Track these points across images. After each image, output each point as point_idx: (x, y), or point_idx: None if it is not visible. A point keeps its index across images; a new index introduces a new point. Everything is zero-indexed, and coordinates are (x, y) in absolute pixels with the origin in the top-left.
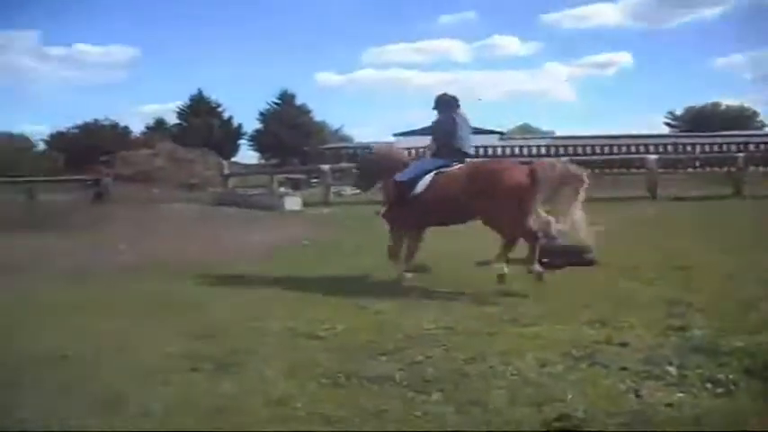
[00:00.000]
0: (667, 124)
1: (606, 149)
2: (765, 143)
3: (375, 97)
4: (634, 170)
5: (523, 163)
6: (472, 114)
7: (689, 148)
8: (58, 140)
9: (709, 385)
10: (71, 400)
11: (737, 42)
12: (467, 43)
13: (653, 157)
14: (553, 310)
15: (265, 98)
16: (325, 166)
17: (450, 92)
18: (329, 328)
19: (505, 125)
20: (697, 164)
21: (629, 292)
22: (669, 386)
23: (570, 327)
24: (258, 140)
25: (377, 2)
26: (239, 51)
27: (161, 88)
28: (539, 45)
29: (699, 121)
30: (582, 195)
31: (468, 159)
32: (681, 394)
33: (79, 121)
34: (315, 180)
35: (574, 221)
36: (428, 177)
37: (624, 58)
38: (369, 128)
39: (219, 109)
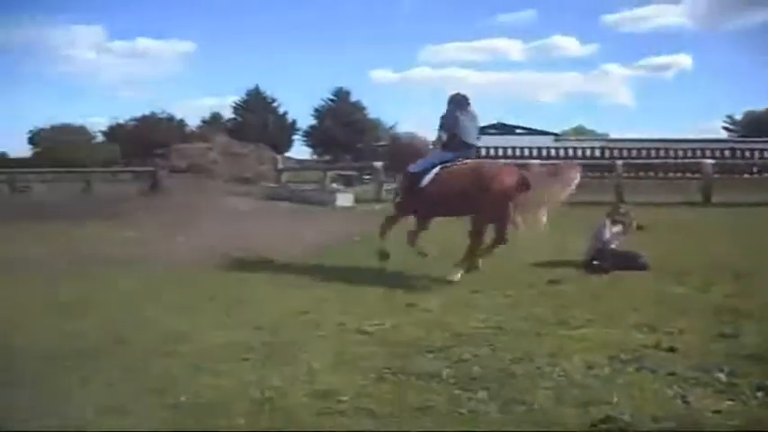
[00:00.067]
0: (726, 128)
1: (662, 153)
2: None
3: (430, 96)
4: (689, 175)
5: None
6: (527, 114)
7: (747, 154)
8: (116, 132)
9: (759, 394)
10: (124, 385)
11: None
12: (524, 43)
13: (709, 161)
14: (602, 313)
15: (320, 95)
16: (378, 164)
17: (507, 92)
18: (378, 324)
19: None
20: (755, 170)
21: (680, 297)
22: (718, 393)
23: (619, 330)
24: (312, 136)
25: (435, 0)
26: (295, 47)
27: (218, 82)
28: (597, 46)
29: (758, 126)
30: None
31: (473, 150)
32: (730, 402)
33: (137, 114)
34: (367, 177)
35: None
36: (434, 171)
37: (684, 60)
38: (423, 126)
39: (275, 104)
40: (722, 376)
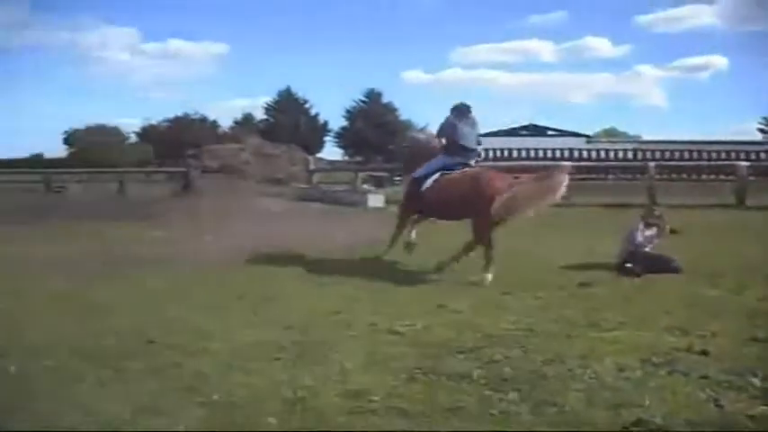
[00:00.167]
0: (761, 130)
1: (695, 155)
2: None
3: (461, 97)
4: (723, 177)
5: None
6: (559, 116)
7: None
8: (149, 133)
9: None
10: (157, 383)
11: None
12: (556, 44)
13: (744, 163)
14: (634, 315)
15: (352, 96)
16: None
17: (538, 93)
18: (409, 324)
19: (592, 128)
20: None
21: (713, 300)
22: (752, 398)
23: (650, 333)
24: (343, 137)
25: (466, 1)
26: (327, 48)
27: (250, 83)
28: (630, 47)
29: None
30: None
31: (473, 154)
32: (764, 407)
33: (170, 115)
34: (398, 178)
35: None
36: (434, 177)
37: (719, 61)
38: None
39: (307, 105)
40: (756, 380)
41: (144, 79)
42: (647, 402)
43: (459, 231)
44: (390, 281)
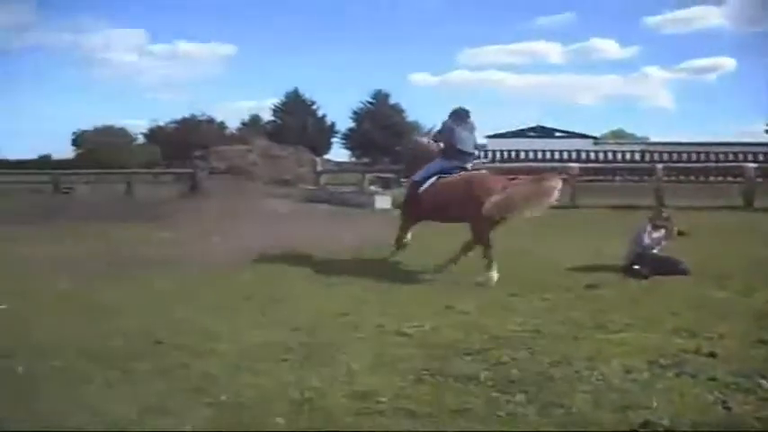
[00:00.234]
0: None
1: (702, 157)
2: None
3: (468, 98)
4: (731, 179)
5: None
6: (566, 118)
7: None
8: (156, 134)
9: None
10: (165, 384)
11: None
12: (564, 45)
13: (751, 165)
14: (641, 317)
15: (359, 97)
16: None
17: (545, 95)
18: (417, 326)
19: (600, 129)
20: None
21: (721, 302)
22: (760, 400)
23: (658, 335)
24: (350, 139)
25: (473, 3)
26: (335, 50)
27: (257, 85)
28: (637, 48)
29: None
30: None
31: (470, 158)
32: None
33: (177, 116)
34: (404, 180)
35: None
36: (431, 180)
37: (727, 62)
38: None
39: (314, 107)
40: (764, 383)
41: (151, 80)
42: (655, 404)
43: (457, 232)
44: (397, 282)
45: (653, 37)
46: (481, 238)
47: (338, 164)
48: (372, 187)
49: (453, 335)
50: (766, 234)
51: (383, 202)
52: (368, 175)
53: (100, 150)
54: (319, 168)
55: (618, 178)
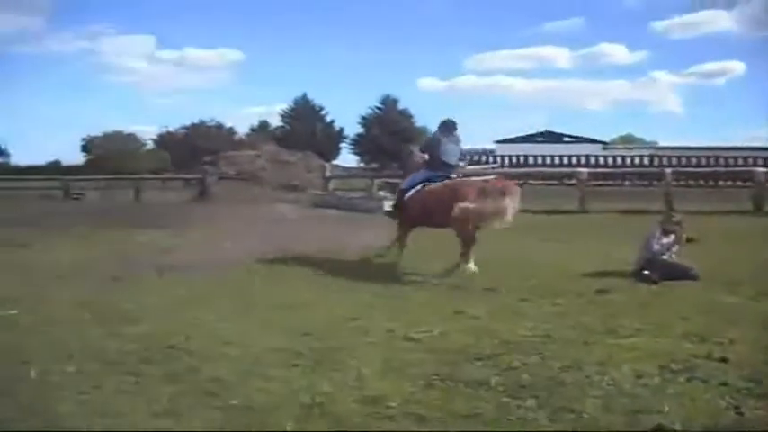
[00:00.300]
0: None
1: (712, 161)
2: None
3: (476, 104)
4: (740, 183)
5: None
6: (575, 123)
7: None
8: (166, 140)
9: None
10: (175, 388)
11: None
12: (572, 50)
13: (761, 170)
14: (651, 322)
15: (367, 103)
16: None
17: (553, 100)
18: (426, 331)
19: (608, 134)
20: None
21: (731, 307)
22: None
23: (668, 340)
24: (359, 144)
25: (481, 8)
26: (343, 56)
27: (266, 91)
28: (646, 53)
29: None
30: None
31: (453, 169)
32: None
33: (187, 122)
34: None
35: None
36: (417, 188)
37: (736, 66)
38: (469, 134)
39: (322, 112)
40: None
41: (161, 86)
42: (666, 409)
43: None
44: (406, 287)
45: (661, 41)
46: (467, 240)
47: (347, 169)
48: (381, 193)
49: (463, 340)
50: None
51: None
52: (376, 181)
53: (110, 156)
54: (328, 174)
55: (627, 183)
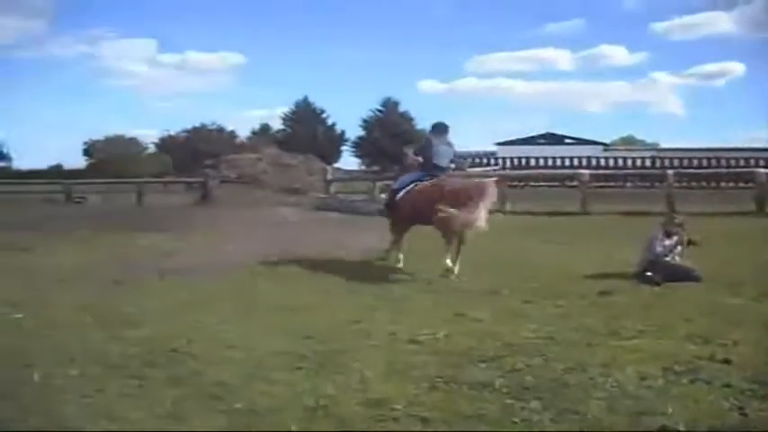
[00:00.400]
0: None
1: (713, 163)
2: None
3: (477, 106)
4: (742, 184)
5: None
6: (575, 124)
7: None
8: (167, 144)
9: None
10: (179, 392)
11: None
12: (573, 52)
13: (763, 170)
14: (654, 324)
15: (368, 105)
16: None
17: (554, 102)
18: (429, 333)
19: (609, 136)
20: None
21: (734, 308)
22: None
23: (671, 341)
24: (360, 147)
25: (481, 10)
26: (344, 60)
27: (267, 94)
28: (646, 55)
29: None
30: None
31: (443, 170)
32: None
33: (188, 126)
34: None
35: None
36: (408, 188)
37: (736, 67)
38: (470, 137)
39: (324, 115)
40: None
41: (162, 90)
42: (670, 410)
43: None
44: (408, 290)
45: (661, 43)
46: (448, 239)
47: (348, 172)
48: (383, 195)
49: (467, 342)
50: None
51: None
52: (378, 183)
53: (111, 160)
54: (329, 177)
55: (629, 184)
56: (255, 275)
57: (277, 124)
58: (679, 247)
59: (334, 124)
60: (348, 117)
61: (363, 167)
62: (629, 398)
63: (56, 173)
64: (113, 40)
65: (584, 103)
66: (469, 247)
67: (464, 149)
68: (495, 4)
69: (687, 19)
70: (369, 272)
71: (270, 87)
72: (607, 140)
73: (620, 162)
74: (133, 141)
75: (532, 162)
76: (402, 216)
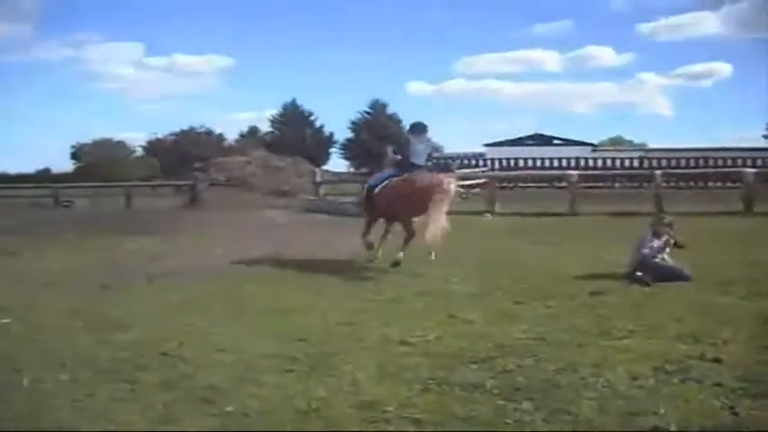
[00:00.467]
0: (766, 137)
1: (701, 163)
2: None
3: (466, 107)
4: (730, 184)
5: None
6: (563, 125)
7: None
8: (155, 147)
9: None
10: (170, 395)
11: None
12: (561, 53)
13: (750, 170)
14: (645, 324)
15: (357, 107)
16: None
17: (542, 103)
18: (421, 335)
19: (598, 137)
20: None
21: (724, 307)
22: None
23: (662, 341)
24: (349, 149)
25: (469, 11)
26: (332, 61)
27: (255, 97)
28: (633, 55)
29: None
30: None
31: (419, 168)
32: None
33: (176, 129)
34: None
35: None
36: (383, 183)
37: (722, 68)
38: (459, 138)
39: (312, 117)
40: None
41: (149, 93)
42: (662, 410)
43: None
44: (400, 292)
45: (648, 44)
46: (408, 233)
47: (337, 174)
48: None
49: (458, 344)
50: (767, 239)
51: None
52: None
53: (99, 164)
54: (318, 179)
55: (617, 185)
56: (245, 278)
57: (265, 127)
58: (668, 249)
59: (322, 126)
60: (336, 119)
61: (352, 169)
62: (620, 398)
63: (44, 177)
64: (99, 43)
65: (573, 103)
66: (459, 249)
67: (452, 151)
68: (483, 5)
69: (674, 19)
70: (358, 273)
71: (258, 90)
72: (595, 141)
73: (609, 163)
74: (121, 145)
75: (521, 163)
76: (378, 211)
